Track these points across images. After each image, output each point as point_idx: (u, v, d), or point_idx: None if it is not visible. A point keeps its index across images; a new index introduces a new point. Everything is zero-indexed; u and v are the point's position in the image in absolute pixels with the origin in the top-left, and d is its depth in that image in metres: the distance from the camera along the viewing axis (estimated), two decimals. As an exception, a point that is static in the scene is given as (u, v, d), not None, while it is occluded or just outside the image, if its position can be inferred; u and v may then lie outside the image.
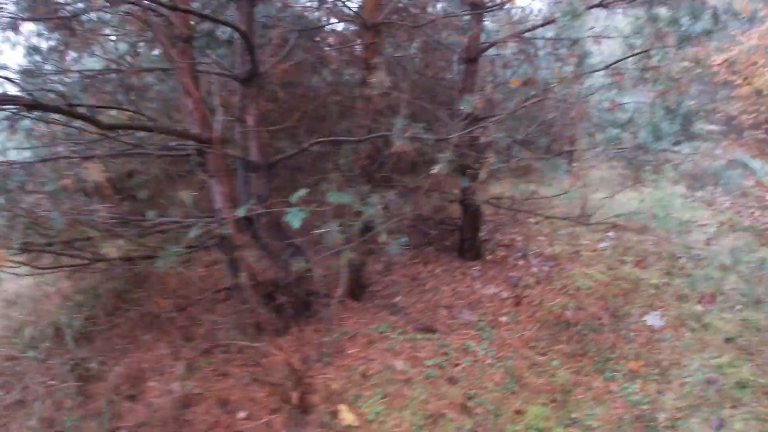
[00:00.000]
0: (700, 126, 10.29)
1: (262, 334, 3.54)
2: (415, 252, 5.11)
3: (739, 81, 10.29)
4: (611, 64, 4.27)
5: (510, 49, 5.12)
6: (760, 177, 4.50)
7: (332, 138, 3.88)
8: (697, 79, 11.53)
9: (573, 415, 3.33)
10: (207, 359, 3.44)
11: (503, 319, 4.26)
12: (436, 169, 3.03)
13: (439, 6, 5.42)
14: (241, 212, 2.86)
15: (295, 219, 2.48)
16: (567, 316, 4.37)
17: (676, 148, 4.71)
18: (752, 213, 6.70)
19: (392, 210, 3.15)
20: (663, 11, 3.79)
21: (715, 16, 3.67)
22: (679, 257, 5.46)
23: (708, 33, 3.83)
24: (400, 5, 4.67)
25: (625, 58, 4.25)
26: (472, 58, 4.32)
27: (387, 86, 3.09)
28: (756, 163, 4.30)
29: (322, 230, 2.66)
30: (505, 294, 4.64)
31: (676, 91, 11.08)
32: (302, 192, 2.58)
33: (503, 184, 7.28)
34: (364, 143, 3.63)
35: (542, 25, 4.45)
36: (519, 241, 5.74)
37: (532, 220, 6.25)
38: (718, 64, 10.45)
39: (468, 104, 3.19)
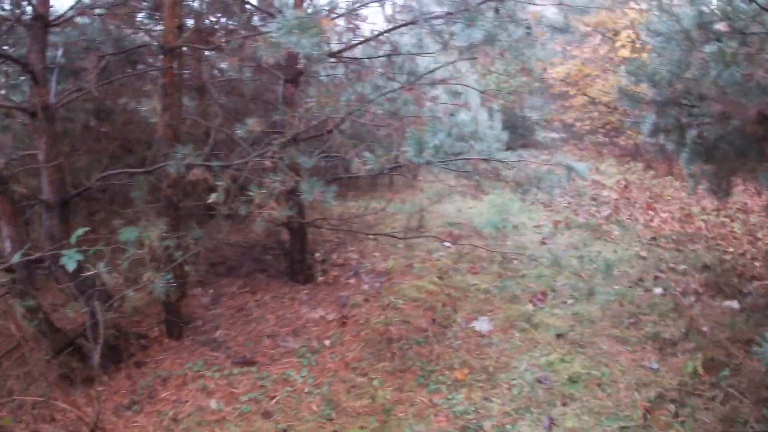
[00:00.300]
0: (543, 135, 12.48)
1: (73, 385, 4.03)
2: (246, 281, 6.01)
3: (574, 92, 12.98)
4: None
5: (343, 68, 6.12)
6: (584, 177, 5.61)
7: (121, 170, 4.76)
8: (535, 91, 14.16)
9: (392, 436, 3.59)
10: (15, 417, 3.67)
11: (327, 342, 4.78)
12: (212, 197, 3.90)
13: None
14: (16, 258, 3.36)
15: (70, 262, 2.95)
16: (391, 332, 4.77)
17: (513, 157, 5.77)
18: (588, 210, 8.25)
19: (196, 242, 4.02)
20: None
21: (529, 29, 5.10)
22: (513, 259, 6.36)
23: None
24: (217, 26, 5.84)
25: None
26: (290, 79, 5.27)
27: (172, 112, 4.19)
28: (580, 165, 5.36)
29: (94, 272, 3.19)
30: (331, 316, 5.21)
31: (516, 103, 13.21)
32: (80, 231, 3.14)
33: (349, 202, 8.47)
34: (157, 172, 4.27)
35: (360, 43, 5.49)
36: (354, 260, 6.56)
37: (372, 236, 7.18)
38: (554, 78, 13.06)
39: (243, 128, 4.14)
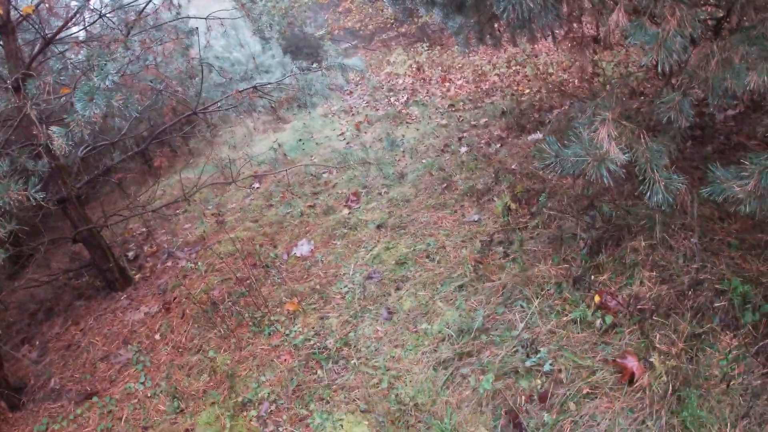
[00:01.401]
0: (333, 48, 12.01)
1: None
2: (67, 314, 5.28)
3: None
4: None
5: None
6: (359, 69, 5.26)
7: None
8: (309, 7, 13.60)
9: (241, 398, 3.24)
10: None
11: (157, 336, 4.31)
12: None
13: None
14: None
15: None
16: (214, 296, 4.29)
17: (278, 77, 5.30)
18: (387, 102, 8.07)
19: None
20: None
21: None
22: (322, 174, 5.98)
23: None
24: None
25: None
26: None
27: None
28: (352, 61, 5.02)
29: None
30: (155, 308, 4.68)
31: (292, 25, 12.51)
32: None
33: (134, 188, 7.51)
34: None
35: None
36: (166, 241, 5.93)
37: (179, 211, 6.59)
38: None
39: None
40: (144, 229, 6.41)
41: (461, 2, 4.35)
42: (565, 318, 2.95)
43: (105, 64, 2.64)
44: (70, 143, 2.80)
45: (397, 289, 3.57)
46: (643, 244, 3.18)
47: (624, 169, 2.46)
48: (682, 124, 2.65)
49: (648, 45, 2.45)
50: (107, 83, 2.53)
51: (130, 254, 5.87)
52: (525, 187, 4.12)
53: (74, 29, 5.09)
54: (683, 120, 2.61)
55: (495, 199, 4.18)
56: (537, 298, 3.08)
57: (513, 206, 3.82)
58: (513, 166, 4.56)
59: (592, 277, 3.14)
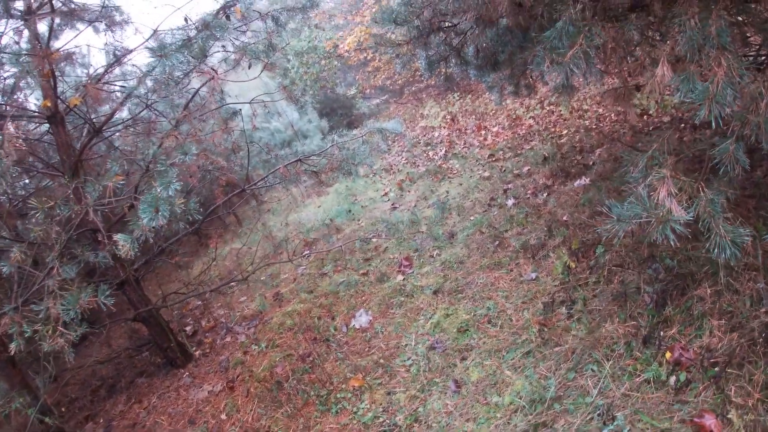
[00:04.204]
0: (365, 105, 12.27)
1: None
2: (130, 392, 5.26)
3: (370, 55, 12.94)
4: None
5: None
6: (398, 131, 5.33)
7: None
8: (338, 69, 13.97)
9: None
10: None
11: (223, 416, 4.24)
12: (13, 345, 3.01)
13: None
14: None
15: None
16: (277, 374, 4.27)
17: (319, 147, 5.43)
18: (425, 157, 8.11)
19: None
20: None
21: None
22: (371, 239, 6.01)
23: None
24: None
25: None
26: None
27: None
28: (390, 124, 5.10)
29: None
30: (218, 386, 4.64)
31: (325, 89, 12.85)
32: None
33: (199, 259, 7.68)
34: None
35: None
36: (223, 315, 5.94)
37: (234, 283, 6.49)
38: (347, 50, 12.89)
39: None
40: (200, 303, 6.51)
41: (496, 60, 4.40)
42: (638, 379, 2.83)
43: (167, 171, 2.73)
44: (136, 249, 2.88)
45: (463, 359, 3.50)
46: (708, 291, 3.06)
47: (689, 228, 2.39)
48: (738, 172, 2.57)
49: (697, 101, 2.41)
50: (170, 192, 2.62)
51: (188, 329, 5.94)
52: (580, 239, 4.04)
53: (124, 114, 5.29)
54: (739, 168, 2.54)
55: (551, 254, 4.11)
56: (608, 360, 2.98)
57: (572, 265, 3.74)
58: (564, 218, 4.49)
59: (662, 332, 3.02)
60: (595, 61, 2.54)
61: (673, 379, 2.73)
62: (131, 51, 4.43)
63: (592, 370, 2.97)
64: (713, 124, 2.33)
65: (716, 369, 2.66)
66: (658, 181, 2.49)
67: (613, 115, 7.08)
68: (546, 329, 3.40)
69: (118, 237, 2.73)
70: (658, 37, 3.11)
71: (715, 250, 2.40)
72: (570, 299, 3.55)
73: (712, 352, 2.77)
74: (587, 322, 3.30)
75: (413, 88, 13.23)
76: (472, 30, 4.28)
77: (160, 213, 2.55)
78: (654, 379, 2.77)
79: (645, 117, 6.48)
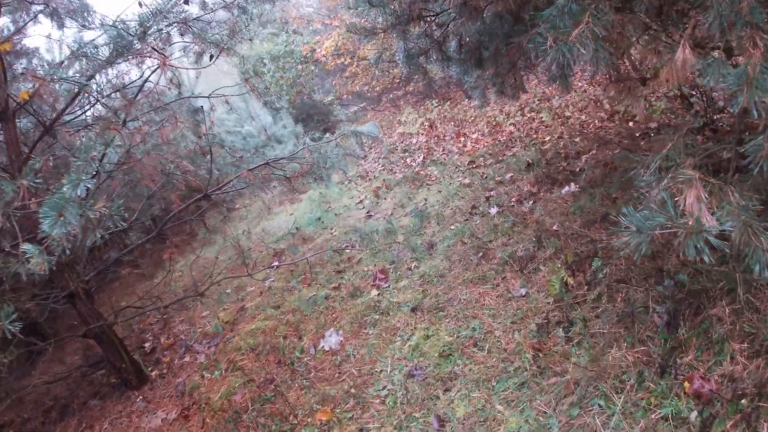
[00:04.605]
0: (343, 112, 11.79)
1: None
2: (82, 415, 4.76)
3: (348, 60, 12.49)
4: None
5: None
6: (375, 135, 4.87)
7: None
8: (316, 75, 13.50)
9: None
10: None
11: None
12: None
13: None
14: None
15: None
16: (237, 403, 3.76)
17: (313, 143, 4.98)
18: (403, 164, 7.65)
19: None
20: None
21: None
22: (344, 249, 5.51)
23: None
24: None
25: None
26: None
27: None
28: (366, 127, 4.65)
29: None
30: (172, 414, 4.12)
31: (301, 94, 12.37)
32: None
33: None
34: None
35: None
36: (183, 331, 5.39)
37: (204, 287, 5.91)
38: (324, 55, 12.41)
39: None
40: (161, 316, 5.95)
41: (480, 56, 3.96)
42: (654, 415, 2.39)
43: (83, 167, 2.18)
44: (51, 260, 2.33)
45: (446, 390, 3.02)
46: (726, 310, 2.64)
47: (725, 241, 1.94)
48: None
49: (731, 87, 1.97)
50: (79, 192, 2.07)
51: (147, 345, 5.41)
52: (574, 251, 3.60)
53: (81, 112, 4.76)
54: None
55: (541, 268, 3.67)
56: (617, 393, 2.52)
57: (570, 281, 3.29)
58: (554, 227, 4.05)
59: (677, 359, 2.58)
60: (604, 44, 2.10)
61: (694, 414, 2.29)
62: (89, 43, 3.92)
63: (600, 406, 2.51)
64: (755, 113, 1.90)
65: (743, 401, 2.23)
66: (684, 184, 2.05)
67: (596, 121, 6.72)
68: (541, 355, 2.94)
69: (25, 247, 2.17)
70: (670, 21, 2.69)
71: (757, 267, 1.95)
72: (567, 320, 3.10)
73: (737, 382, 2.34)
74: (589, 346, 2.85)
75: (391, 96, 12.82)
76: (455, 20, 3.83)
77: (64, 218, 2.01)
78: (673, 415, 2.33)
79: (630, 123, 6.13)
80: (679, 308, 2.78)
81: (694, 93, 5.44)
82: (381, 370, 3.41)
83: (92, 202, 2.08)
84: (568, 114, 7.33)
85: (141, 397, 4.61)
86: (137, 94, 3.88)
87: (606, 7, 2.19)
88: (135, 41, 2.82)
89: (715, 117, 5.13)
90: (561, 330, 3.04)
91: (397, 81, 12.27)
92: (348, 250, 5.37)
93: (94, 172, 3.85)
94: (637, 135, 5.47)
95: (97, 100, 4.30)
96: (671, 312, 2.77)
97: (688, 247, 1.91)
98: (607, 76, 3.36)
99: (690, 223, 1.96)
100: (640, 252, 1.99)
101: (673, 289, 2.84)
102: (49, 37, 4.50)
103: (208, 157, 5.63)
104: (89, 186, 2.06)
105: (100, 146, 3.57)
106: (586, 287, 3.26)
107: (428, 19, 4.00)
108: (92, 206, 2.07)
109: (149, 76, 3.79)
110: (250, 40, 4.76)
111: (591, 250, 3.56)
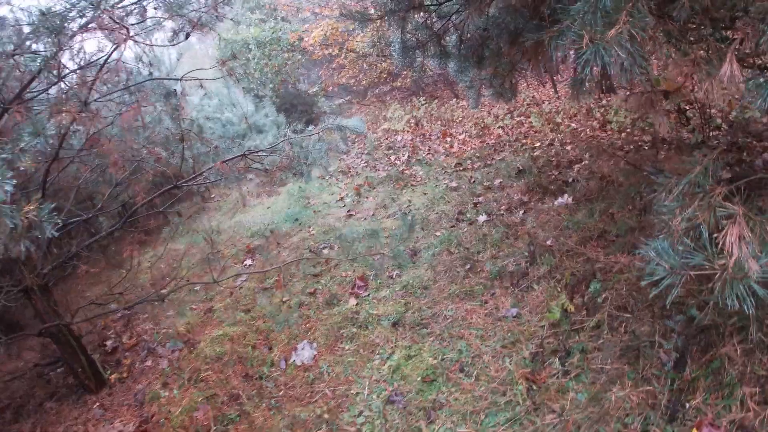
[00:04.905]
0: (327, 104, 11.42)
1: None
2: (37, 417, 4.34)
3: (336, 51, 12.09)
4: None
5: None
6: (360, 131, 4.51)
7: None
8: (302, 65, 13.07)
9: None
10: None
11: None
12: None
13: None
14: None
15: None
16: (198, 420, 3.40)
17: (295, 136, 4.64)
18: (387, 161, 7.33)
19: None
20: None
21: None
22: (323, 248, 5.16)
23: None
24: None
25: None
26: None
27: None
28: (351, 122, 4.29)
29: None
30: (131, 426, 3.74)
31: (286, 82, 11.95)
32: None
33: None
34: None
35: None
36: (147, 331, 4.98)
37: (165, 290, 5.51)
38: (311, 44, 11.99)
39: None
40: (124, 312, 5.54)
41: (481, 54, 3.65)
42: (661, 466, 2.12)
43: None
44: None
45: (430, 421, 2.71)
46: (737, 349, 2.38)
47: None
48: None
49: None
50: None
51: (109, 344, 4.96)
52: (571, 271, 3.32)
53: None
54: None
55: (535, 287, 3.39)
56: (620, 439, 2.24)
57: (571, 308, 3.00)
58: (548, 242, 3.78)
59: (685, 402, 2.31)
60: (641, 49, 1.80)
61: (704, 468, 2.03)
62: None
63: (602, 454, 2.23)
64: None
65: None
66: (728, 220, 1.76)
67: (588, 130, 6.49)
68: (535, 387, 2.65)
69: None
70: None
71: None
72: (564, 349, 2.82)
73: (748, 431, 2.08)
74: (588, 382, 2.57)
75: (377, 90, 12.47)
76: (458, 12, 3.51)
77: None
78: (682, 469, 2.06)
79: (623, 134, 5.90)
80: (688, 345, 2.52)
81: (687, 108, 5.23)
82: (357, 393, 3.09)
83: (15, 207, 1.70)
84: (558, 120, 7.09)
85: (98, 404, 4.21)
86: (98, 73, 3.47)
87: (644, 8, 1.89)
88: (89, 8, 2.41)
89: (711, 134, 4.93)
90: (557, 360, 2.76)
91: (385, 76, 11.92)
92: (326, 251, 5.03)
93: (52, 158, 3.46)
94: (632, 147, 5.23)
95: (59, 79, 3.89)
96: (680, 349, 2.50)
97: (729, 295, 1.63)
98: (627, 87, 3.09)
99: (730, 264, 1.67)
100: (672, 295, 1.70)
101: (684, 323, 2.58)
102: None
103: (186, 144, 5.25)
104: (9, 189, 1.66)
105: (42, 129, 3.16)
106: (584, 313, 2.98)
107: (430, 8, 3.68)
108: (17, 210, 1.69)
109: (110, 52, 3.37)
110: (232, 19, 4.39)
111: (588, 271, 3.28)
